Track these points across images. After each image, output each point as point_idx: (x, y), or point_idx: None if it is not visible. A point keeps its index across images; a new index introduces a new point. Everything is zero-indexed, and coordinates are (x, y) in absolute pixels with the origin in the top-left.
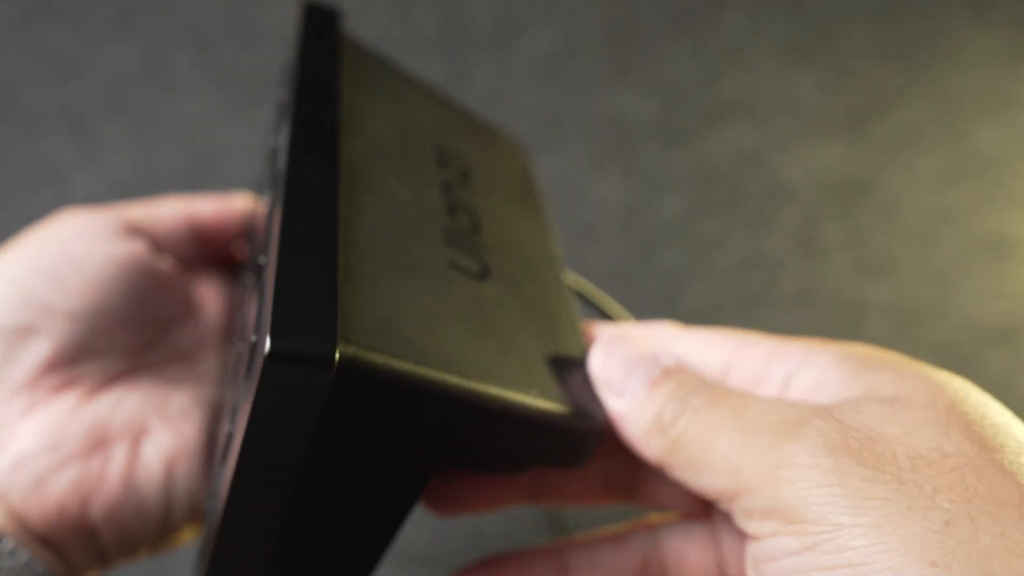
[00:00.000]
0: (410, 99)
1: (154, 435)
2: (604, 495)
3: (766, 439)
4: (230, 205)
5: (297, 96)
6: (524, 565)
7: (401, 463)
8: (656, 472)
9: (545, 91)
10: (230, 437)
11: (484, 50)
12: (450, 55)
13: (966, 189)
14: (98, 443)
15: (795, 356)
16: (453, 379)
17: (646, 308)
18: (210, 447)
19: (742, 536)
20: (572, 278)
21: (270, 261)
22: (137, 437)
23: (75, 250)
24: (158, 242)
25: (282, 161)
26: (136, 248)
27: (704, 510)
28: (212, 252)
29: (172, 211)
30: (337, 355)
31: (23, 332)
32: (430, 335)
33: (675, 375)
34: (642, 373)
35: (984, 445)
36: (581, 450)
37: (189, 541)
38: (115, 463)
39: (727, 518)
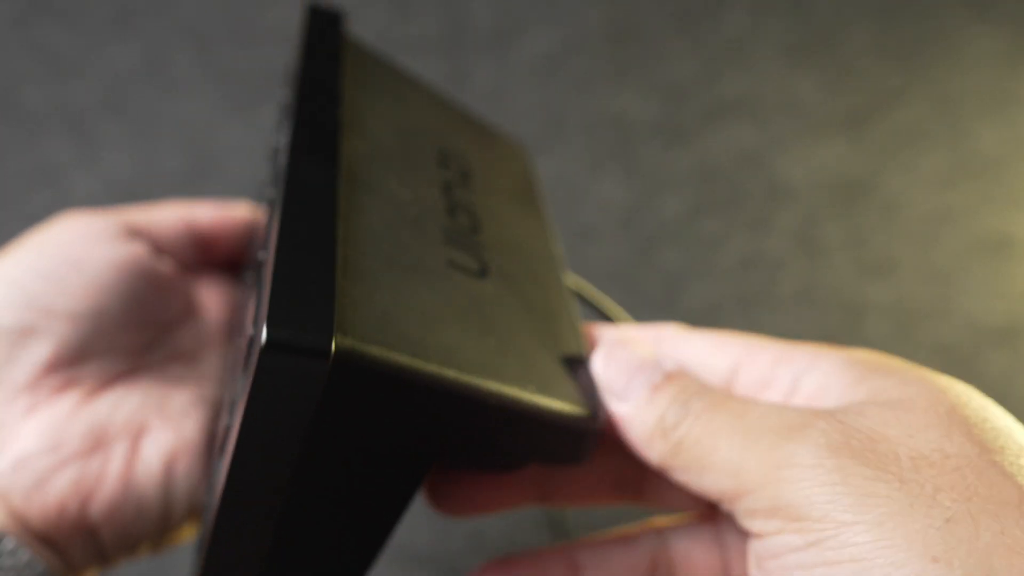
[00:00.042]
0: (412, 101)
1: (153, 434)
2: (612, 496)
3: (768, 440)
4: (230, 211)
5: (299, 96)
6: (536, 565)
7: (398, 458)
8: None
9: (545, 91)
10: (228, 430)
11: (484, 50)
12: (450, 55)
13: (967, 189)
14: (98, 443)
15: (802, 360)
16: (450, 373)
17: (646, 308)
18: (210, 444)
19: (746, 536)
20: (572, 280)
21: (269, 256)
22: (137, 436)
23: (76, 252)
24: (158, 245)
25: (283, 160)
26: (136, 250)
27: (710, 512)
28: (212, 256)
29: (172, 215)
30: (333, 346)
31: (24, 333)
32: (428, 330)
33: (677, 380)
34: (644, 378)
35: (985, 447)
36: (579, 448)
37: (189, 539)
38: (114, 462)
39: (731, 519)
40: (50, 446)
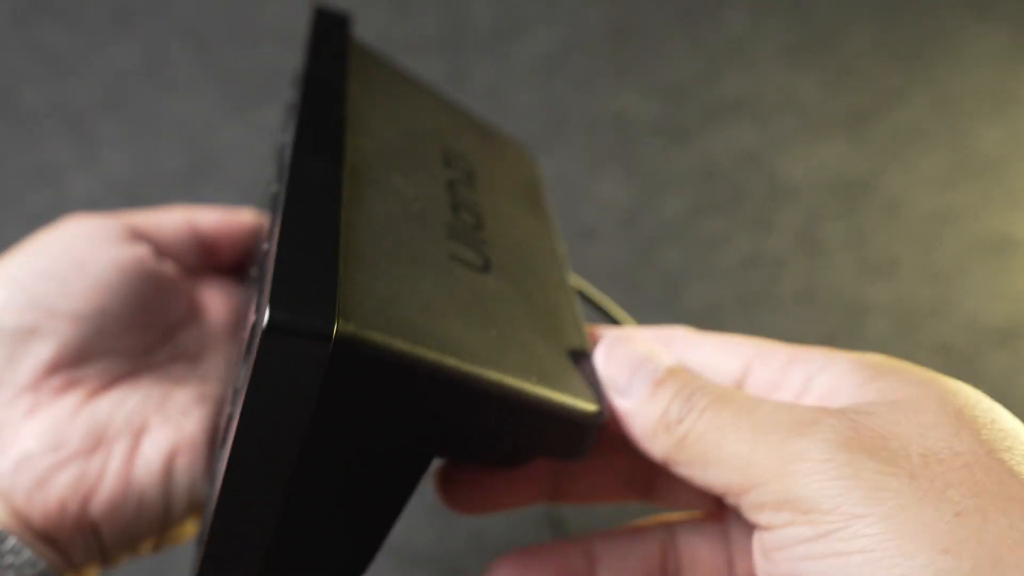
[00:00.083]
0: (416, 102)
1: (154, 432)
2: (623, 493)
3: (777, 436)
4: (234, 216)
5: (304, 95)
6: (557, 556)
7: (399, 448)
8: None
9: (545, 91)
10: (230, 419)
11: (484, 50)
12: (450, 55)
13: (968, 189)
14: (99, 442)
15: (813, 362)
16: (451, 361)
17: (646, 308)
18: (211, 440)
19: (751, 531)
20: (575, 280)
21: (272, 245)
22: (138, 435)
23: (79, 254)
24: (162, 248)
25: (288, 156)
26: (139, 252)
27: (717, 509)
28: (216, 261)
29: (176, 219)
30: (335, 331)
31: (27, 334)
32: (429, 319)
33: (679, 375)
34: (646, 373)
35: (993, 447)
36: (581, 440)
37: (190, 538)
38: (115, 461)
39: (737, 515)
40: (51, 446)
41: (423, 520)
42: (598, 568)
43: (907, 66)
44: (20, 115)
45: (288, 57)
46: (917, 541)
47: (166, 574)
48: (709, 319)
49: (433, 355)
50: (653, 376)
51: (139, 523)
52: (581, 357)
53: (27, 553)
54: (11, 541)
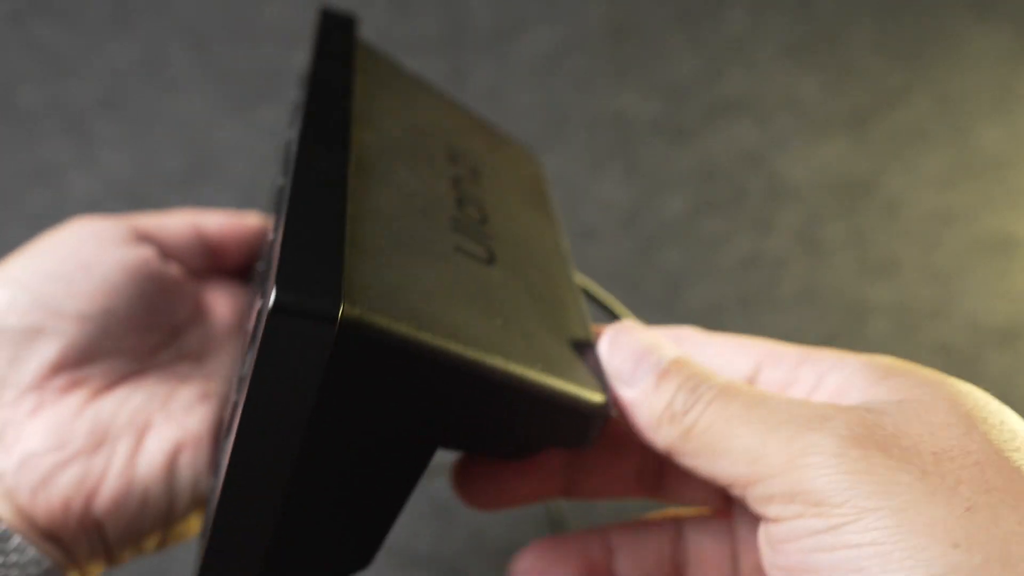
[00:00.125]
0: (423, 102)
1: (157, 429)
2: (634, 488)
3: (788, 430)
4: (239, 219)
5: (310, 91)
6: (579, 545)
7: (403, 436)
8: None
9: (545, 90)
10: (235, 407)
11: (484, 49)
12: (450, 54)
13: (969, 189)
14: (102, 440)
15: (825, 362)
16: (455, 346)
17: (647, 308)
18: (216, 435)
19: (756, 525)
20: (580, 279)
21: (278, 234)
22: (141, 433)
23: (85, 255)
24: (167, 250)
25: (294, 148)
26: (145, 254)
27: (724, 507)
28: (221, 263)
29: (181, 222)
30: (340, 313)
31: (33, 334)
32: (434, 306)
33: (684, 366)
34: (651, 363)
35: (1003, 447)
36: (585, 429)
37: (193, 537)
38: (118, 458)
39: (746, 516)
40: (55, 444)
41: (423, 521)
42: (616, 558)
43: (908, 66)
44: (19, 115)
45: (288, 57)
46: (928, 535)
47: (166, 574)
48: (709, 319)
49: (437, 340)
50: (658, 366)
51: (143, 520)
52: (585, 348)
53: (31, 551)
54: (16, 540)
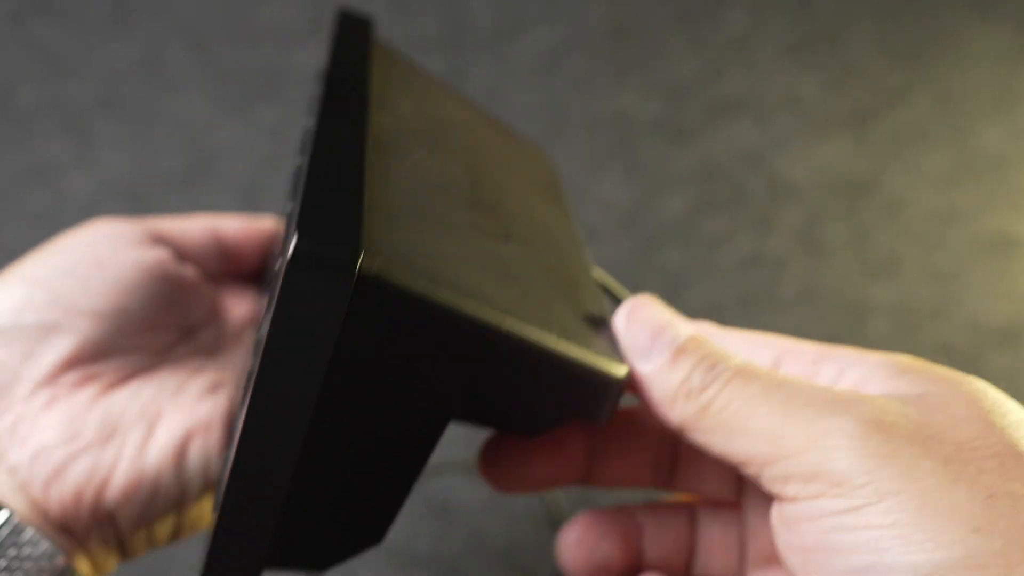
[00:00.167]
0: (439, 97)
1: (167, 418)
2: (649, 478)
3: (811, 411)
4: (255, 223)
5: (328, 80)
6: (616, 519)
7: (417, 402)
8: (697, 459)
9: (545, 90)
10: (251, 374)
11: (484, 49)
12: (450, 54)
13: (969, 188)
14: (113, 431)
15: (845, 358)
16: (473, 306)
17: None
18: (227, 422)
19: (765, 516)
20: (597, 272)
21: (297, 198)
22: (152, 423)
23: (100, 254)
24: (183, 253)
25: (312, 126)
26: (160, 255)
27: (735, 498)
28: (237, 267)
29: (198, 225)
30: (359, 266)
31: (48, 330)
32: (452, 269)
33: (702, 343)
34: (668, 338)
35: (1021, 442)
36: (602, 400)
37: (206, 529)
38: (128, 448)
39: (755, 507)
40: (67, 437)
41: (423, 523)
42: (643, 535)
43: (908, 65)
44: (18, 114)
45: (288, 57)
46: (950, 519)
47: (166, 574)
48: (710, 319)
49: (455, 299)
50: (675, 342)
51: (154, 508)
52: (601, 324)
53: (45, 544)
54: (29, 532)
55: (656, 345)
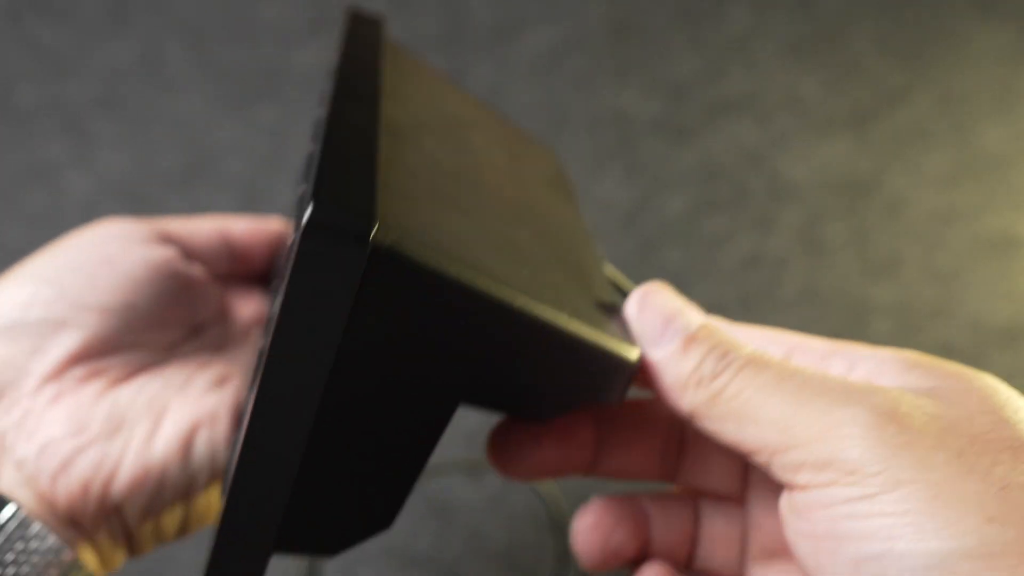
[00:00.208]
0: (449, 93)
1: (173, 411)
2: (655, 470)
3: (824, 401)
4: (264, 224)
5: (340, 72)
6: (625, 507)
7: (428, 382)
8: (703, 452)
9: (545, 89)
10: (262, 352)
11: (484, 48)
12: (450, 54)
13: (971, 188)
14: (120, 425)
15: (855, 354)
16: (485, 282)
17: None
18: (235, 414)
19: (770, 510)
20: (608, 267)
21: (309, 177)
22: (158, 416)
23: (109, 251)
24: (192, 252)
25: (324, 113)
26: (168, 254)
27: (739, 493)
28: (246, 268)
29: (207, 225)
30: (374, 234)
31: (56, 326)
32: (464, 248)
33: (713, 332)
34: (680, 326)
35: None
36: (614, 382)
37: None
38: (135, 441)
39: (759, 501)
40: (74, 430)
41: (423, 523)
42: (650, 523)
43: (910, 65)
44: (17, 114)
45: (287, 56)
46: (964, 509)
47: (165, 574)
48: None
49: (468, 274)
50: (687, 330)
51: (162, 499)
52: (611, 310)
53: (52, 538)
54: (36, 526)
55: (668, 332)
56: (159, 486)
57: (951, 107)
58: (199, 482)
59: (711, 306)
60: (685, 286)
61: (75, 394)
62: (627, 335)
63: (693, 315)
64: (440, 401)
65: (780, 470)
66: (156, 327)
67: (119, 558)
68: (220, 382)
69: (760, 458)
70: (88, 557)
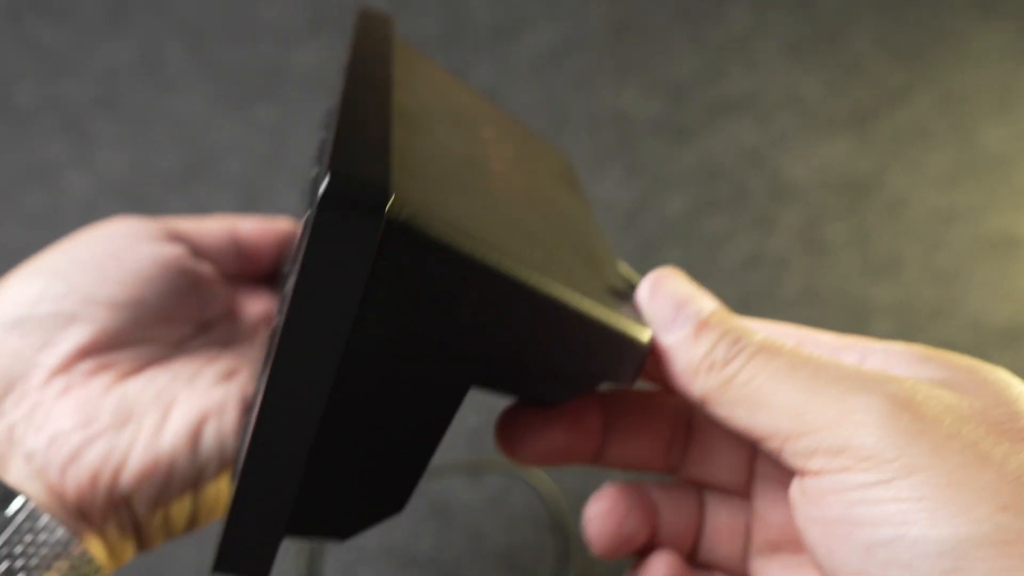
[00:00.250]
0: (458, 90)
1: (182, 402)
2: (660, 460)
3: (838, 388)
4: (272, 224)
5: (352, 64)
6: (635, 494)
7: (441, 361)
8: (709, 444)
9: (545, 89)
10: (275, 331)
11: (484, 47)
12: (450, 53)
13: (972, 188)
14: (128, 417)
15: (867, 346)
16: (496, 258)
17: None
18: (244, 405)
19: (773, 505)
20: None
21: (323, 159)
22: (167, 408)
23: (119, 247)
24: (201, 251)
25: (337, 101)
26: (177, 251)
27: (743, 488)
28: (255, 268)
29: (216, 225)
30: (388, 208)
31: (64, 320)
32: (478, 226)
33: (726, 317)
34: (692, 311)
35: None
36: (625, 362)
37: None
38: (144, 432)
39: (764, 495)
40: (82, 422)
41: (423, 524)
42: (659, 512)
43: (910, 64)
44: (16, 114)
45: (287, 56)
46: (978, 497)
47: (165, 574)
48: None
49: (482, 250)
50: (699, 315)
51: (170, 491)
52: (623, 295)
53: (61, 531)
54: (45, 518)
55: (680, 317)
56: (168, 477)
57: (952, 107)
58: (208, 473)
59: None
60: None
61: (84, 387)
62: (639, 320)
63: (705, 301)
64: (452, 382)
65: (792, 456)
66: (165, 323)
67: (128, 551)
68: (228, 375)
69: (771, 444)
70: (97, 549)
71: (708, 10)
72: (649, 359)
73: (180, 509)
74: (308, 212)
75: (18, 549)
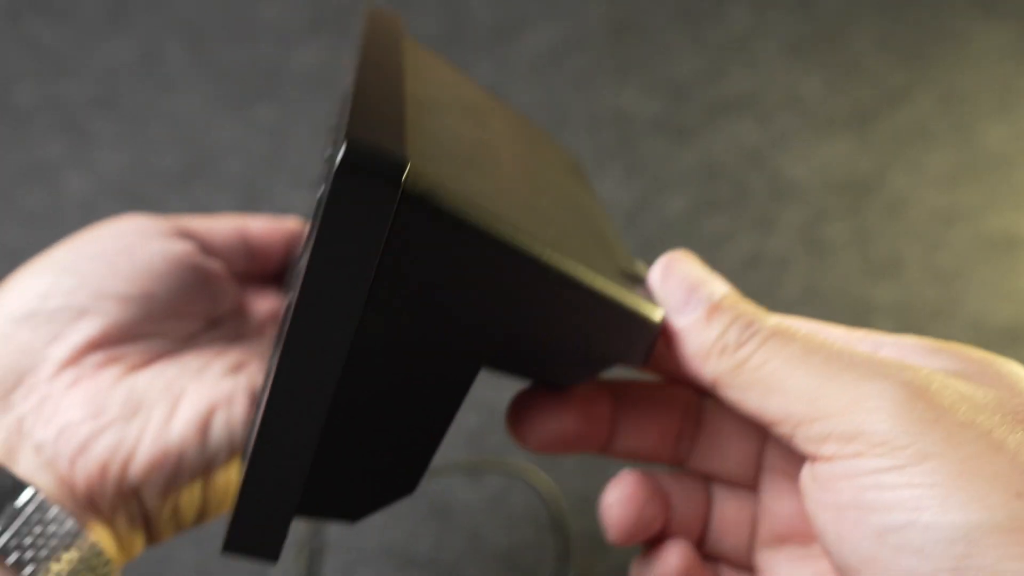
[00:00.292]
0: (467, 85)
1: (191, 394)
2: (668, 451)
3: (852, 375)
4: (281, 224)
5: (364, 53)
6: (652, 482)
7: (454, 339)
8: (717, 436)
9: (546, 88)
10: (288, 308)
11: (484, 47)
12: (450, 53)
13: (973, 188)
14: (137, 408)
15: (879, 339)
16: (512, 233)
17: None
18: (253, 398)
19: (780, 497)
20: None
21: (338, 136)
22: (176, 400)
23: (129, 242)
24: (210, 248)
25: (350, 87)
26: (188, 247)
27: (750, 480)
28: (263, 267)
29: (225, 223)
30: (405, 178)
31: (74, 313)
32: (492, 203)
33: (738, 301)
34: (704, 294)
35: None
36: (637, 342)
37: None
38: (153, 423)
39: (771, 488)
40: (91, 413)
41: (423, 525)
42: (671, 498)
43: (910, 64)
44: (16, 113)
45: (286, 56)
46: (992, 484)
47: (164, 574)
48: None
49: (496, 225)
50: (712, 298)
51: (179, 482)
52: (634, 278)
53: (70, 523)
54: (54, 510)
55: (692, 300)
56: (177, 468)
57: (952, 106)
58: (217, 464)
59: None
60: None
61: (93, 379)
62: (648, 298)
63: (718, 284)
64: (465, 359)
65: (804, 441)
66: (174, 318)
67: (138, 544)
68: (237, 368)
69: (783, 429)
70: (107, 541)
71: (708, 10)
72: (660, 343)
73: (189, 501)
74: (321, 189)
75: (27, 540)
